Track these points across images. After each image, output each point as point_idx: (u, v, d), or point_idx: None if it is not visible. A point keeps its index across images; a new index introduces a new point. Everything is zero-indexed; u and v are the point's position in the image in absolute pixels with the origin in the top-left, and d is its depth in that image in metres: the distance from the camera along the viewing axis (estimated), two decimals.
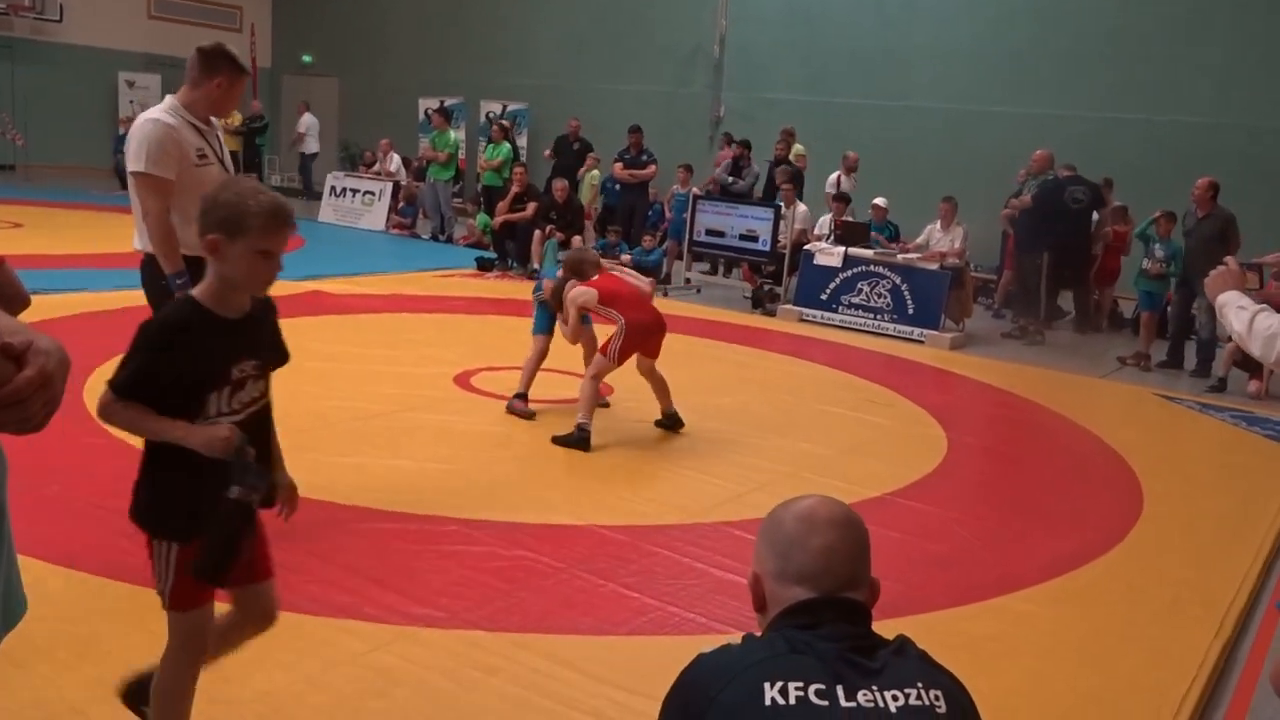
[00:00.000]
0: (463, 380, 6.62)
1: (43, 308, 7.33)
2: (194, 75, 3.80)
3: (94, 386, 5.60)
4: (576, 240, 11.74)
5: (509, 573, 3.80)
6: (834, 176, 12.58)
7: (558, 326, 5.92)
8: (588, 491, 4.77)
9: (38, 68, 18.77)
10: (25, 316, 5.94)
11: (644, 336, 5.65)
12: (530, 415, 5.85)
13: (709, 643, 3.37)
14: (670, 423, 5.92)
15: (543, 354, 6.00)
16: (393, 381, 6.45)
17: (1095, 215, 10.65)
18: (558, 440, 5.40)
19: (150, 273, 3.78)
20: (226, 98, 3.87)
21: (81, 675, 2.87)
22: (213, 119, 3.91)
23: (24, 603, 1.55)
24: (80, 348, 6.89)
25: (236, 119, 17.29)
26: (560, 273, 5.89)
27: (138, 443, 3.97)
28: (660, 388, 5.90)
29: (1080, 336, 10.76)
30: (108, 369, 7.18)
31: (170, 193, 3.68)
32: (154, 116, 3.77)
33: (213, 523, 2.06)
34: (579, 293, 5.62)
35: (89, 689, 2.80)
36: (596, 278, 5.70)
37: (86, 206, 14.53)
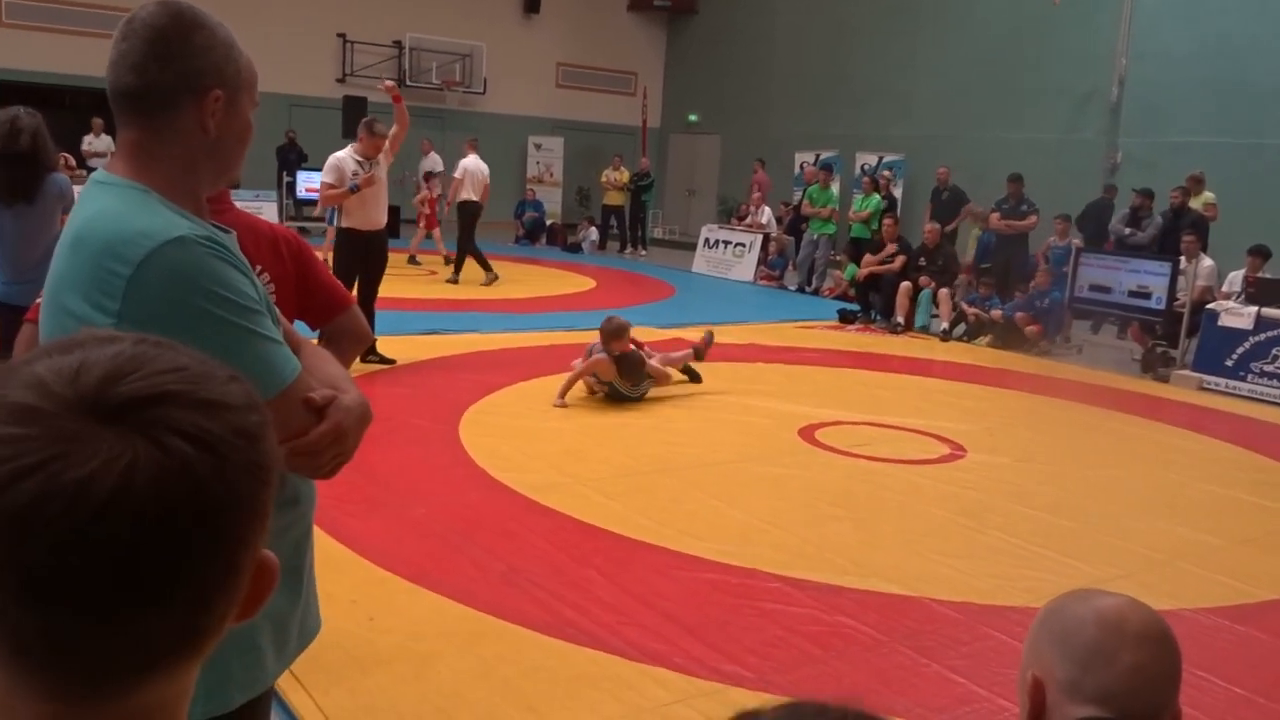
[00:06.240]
0: (807, 433, 6.53)
1: (435, 347, 8.22)
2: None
3: (471, 420, 6.15)
4: (944, 293, 11.27)
5: (825, 639, 3.64)
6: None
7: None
8: (922, 560, 4.48)
9: (463, 134, 21.27)
10: (414, 351, 6.73)
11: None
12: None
13: None
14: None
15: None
16: (737, 430, 6.49)
17: None
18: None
19: None
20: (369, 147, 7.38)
21: (415, 689, 3.09)
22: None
23: (319, 623, 1.66)
24: (462, 383, 7.55)
25: (625, 176, 18.49)
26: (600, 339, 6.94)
27: (504, 478, 4.21)
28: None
29: None
30: (484, 406, 7.79)
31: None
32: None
33: None
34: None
35: (417, 704, 3.01)
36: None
37: (491, 256, 16.13)
